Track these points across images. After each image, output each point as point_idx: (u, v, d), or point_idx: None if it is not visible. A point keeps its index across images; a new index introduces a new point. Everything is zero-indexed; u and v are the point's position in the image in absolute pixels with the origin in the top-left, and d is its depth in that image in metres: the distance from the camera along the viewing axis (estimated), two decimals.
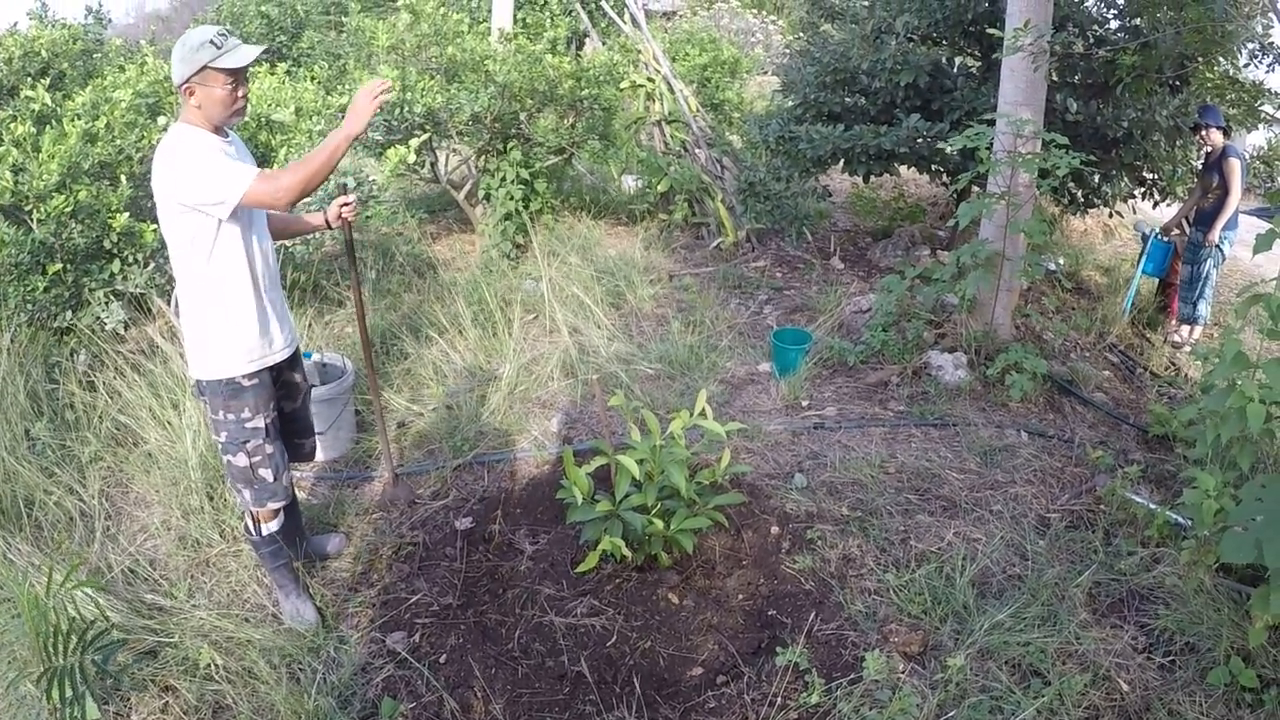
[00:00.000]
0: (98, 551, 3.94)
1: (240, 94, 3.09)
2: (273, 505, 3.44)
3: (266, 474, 3.38)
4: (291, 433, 3.69)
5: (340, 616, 3.60)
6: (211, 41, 2.97)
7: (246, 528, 3.51)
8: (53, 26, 7.48)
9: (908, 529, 4.04)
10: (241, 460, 3.33)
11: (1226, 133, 6.88)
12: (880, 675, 3.08)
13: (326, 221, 3.67)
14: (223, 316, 3.19)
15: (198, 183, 2.95)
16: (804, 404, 5.36)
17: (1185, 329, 7.16)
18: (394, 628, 3.51)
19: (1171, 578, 3.65)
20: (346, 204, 3.63)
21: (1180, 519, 3.95)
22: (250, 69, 3.13)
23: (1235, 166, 6.63)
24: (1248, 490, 3.10)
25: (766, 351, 6.05)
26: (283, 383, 3.56)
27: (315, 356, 4.95)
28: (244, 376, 3.26)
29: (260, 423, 3.32)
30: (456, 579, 3.79)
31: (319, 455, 4.72)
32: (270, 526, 3.49)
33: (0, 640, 3.28)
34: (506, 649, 3.38)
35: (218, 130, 3.13)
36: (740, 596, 3.67)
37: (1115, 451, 4.80)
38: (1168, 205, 8.05)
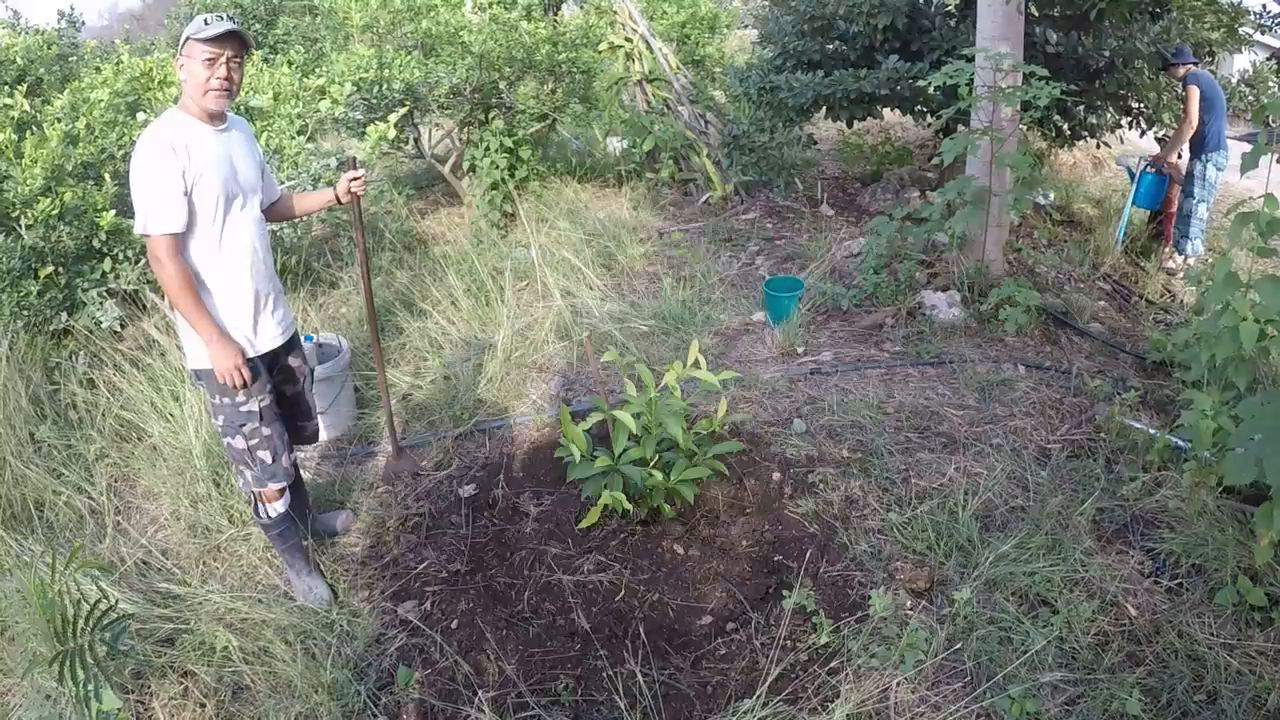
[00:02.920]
0: (110, 546, 3.96)
1: (219, 72, 3.05)
2: (274, 486, 3.46)
3: (265, 455, 3.40)
4: (294, 416, 3.71)
5: (352, 590, 3.63)
6: (204, 20, 3.02)
7: (255, 510, 3.54)
8: (26, 33, 7.43)
9: (908, 467, 4.06)
10: (239, 443, 3.35)
11: (1195, 64, 6.91)
12: (887, 613, 3.10)
13: (336, 197, 3.67)
14: (211, 305, 3.20)
15: (136, 195, 3.00)
16: (800, 350, 5.37)
17: (1179, 256, 7.16)
18: (405, 597, 3.54)
19: (1174, 501, 3.67)
20: (356, 178, 3.62)
21: (1180, 442, 3.97)
22: (237, 54, 3.10)
23: (1193, 94, 6.70)
24: (1245, 409, 3.11)
25: (760, 301, 6.05)
26: (281, 368, 3.57)
27: (314, 339, 4.96)
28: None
29: (255, 406, 3.33)
30: (463, 545, 3.81)
31: (322, 435, 4.74)
32: (276, 508, 3.51)
33: (17, 633, 3.32)
34: (516, 610, 3.41)
35: (212, 117, 3.12)
36: (745, 544, 3.70)
37: (1113, 380, 4.81)
38: (1156, 133, 8.02)
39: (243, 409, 3.31)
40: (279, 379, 3.57)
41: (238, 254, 3.23)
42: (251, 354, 3.31)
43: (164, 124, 3.04)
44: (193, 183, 3.03)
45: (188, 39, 3.02)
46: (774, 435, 4.39)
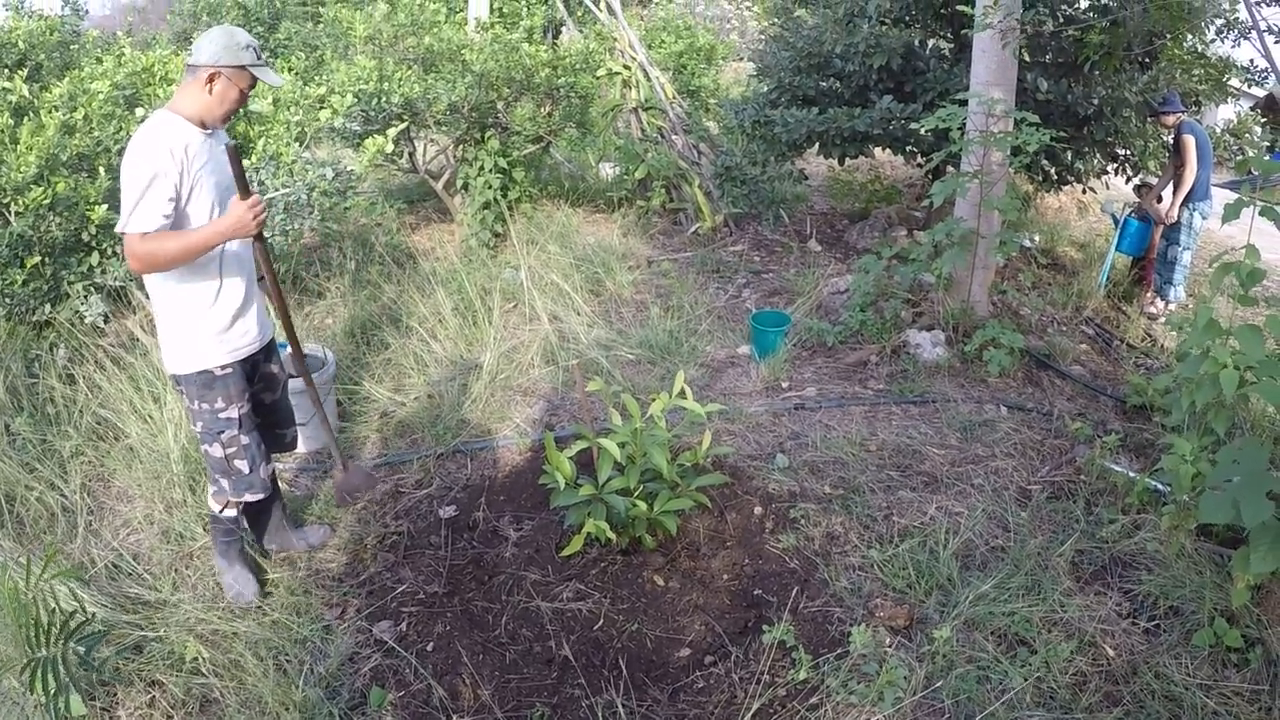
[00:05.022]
0: (80, 546, 3.92)
1: (243, 105, 3.23)
2: (250, 497, 3.47)
3: (242, 465, 3.39)
4: (273, 424, 3.70)
5: (327, 607, 3.59)
6: (253, 48, 3.13)
7: (210, 504, 3.56)
8: (30, 18, 7.41)
9: (890, 505, 4.06)
10: (217, 451, 3.36)
11: (1184, 112, 7.01)
12: (867, 649, 3.10)
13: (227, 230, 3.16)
14: (193, 308, 3.20)
15: (125, 193, 2.99)
16: (784, 385, 5.38)
17: (1160, 302, 7.24)
18: (381, 617, 3.51)
19: (1153, 543, 3.70)
20: (257, 207, 3.13)
21: (1159, 485, 4.00)
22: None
23: (1189, 143, 6.81)
24: (1224, 454, 3.15)
25: (746, 334, 6.07)
26: (261, 375, 3.57)
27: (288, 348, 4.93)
28: (217, 368, 3.28)
29: (234, 413, 3.34)
30: (442, 567, 3.79)
31: (301, 447, 4.71)
32: (231, 511, 3.54)
33: None
34: (493, 635, 3.39)
35: (205, 125, 3.14)
36: (725, 577, 3.69)
37: (1094, 422, 4.84)
38: (1141, 180, 8.13)
39: (221, 415, 3.31)
40: (259, 386, 3.57)
41: (228, 257, 3.25)
42: (233, 358, 3.31)
43: (162, 126, 3.03)
44: (190, 188, 3.04)
45: (242, 67, 3.09)
46: (757, 469, 4.39)
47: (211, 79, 3.07)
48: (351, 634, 3.42)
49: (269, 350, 3.59)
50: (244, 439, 3.38)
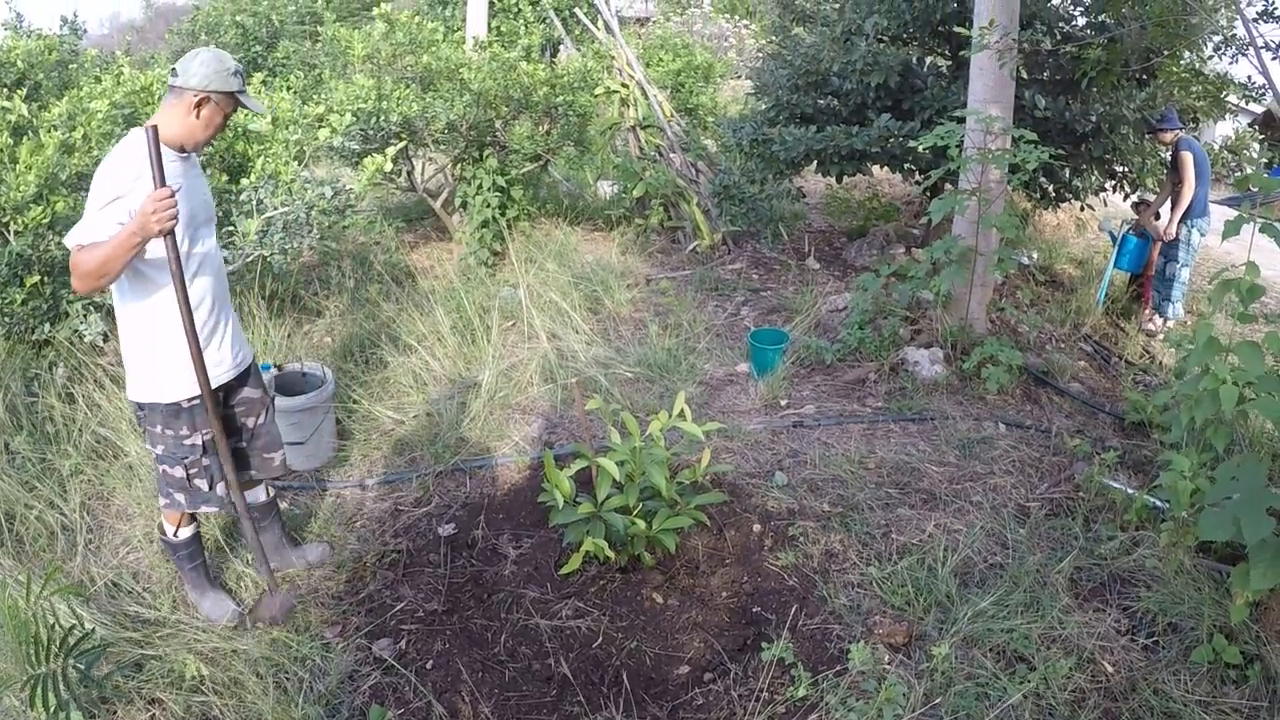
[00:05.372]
0: (80, 565, 3.91)
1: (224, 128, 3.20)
2: (206, 509, 3.43)
3: (202, 483, 3.36)
4: (259, 449, 3.64)
5: (326, 625, 3.59)
6: (240, 74, 3.11)
7: (160, 527, 3.52)
8: (28, 37, 7.43)
9: (889, 522, 4.07)
10: (179, 472, 3.30)
11: (1182, 129, 7.04)
12: (866, 667, 3.10)
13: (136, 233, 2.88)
14: (161, 340, 3.13)
15: (87, 206, 2.95)
16: (783, 403, 5.39)
17: (1159, 319, 7.26)
18: (380, 635, 3.51)
19: (1151, 560, 3.70)
20: (164, 200, 2.81)
21: (1158, 502, 4.01)
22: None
23: (1187, 159, 6.83)
24: (1223, 470, 3.15)
25: (744, 352, 6.08)
26: (242, 400, 3.52)
27: (295, 365, 4.94)
28: (185, 399, 3.22)
29: (199, 440, 3.29)
30: (441, 585, 3.79)
31: (302, 465, 4.72)
32: (185, 531, 3.50)
33: None
34: (493, 653, 3.38)
35: (182, 148, 3.10)
36: (724, 594, 3.69)
37: (1092, 439, 4.85)
38: (1139, 197, 8.16)
39: (186, 442, 3.27)
40: (240, 410, 3.51)
41: (201, 281, 3.19)
42: (197, 391, 3.21)
43: (140, 147, 2.92)
44: None
45: (230, 94, 3.06)
46: (755, 487, 4.39)
47: (200, 104, 3.03)
48: (351, 652, 3.42)
49: (246, 375, 3.52)
50: (205, 461, 3.33)
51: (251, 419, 3.58)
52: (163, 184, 2.84)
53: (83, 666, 2.74)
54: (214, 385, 3.26)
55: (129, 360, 3.19)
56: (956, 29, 5.99)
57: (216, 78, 3.01)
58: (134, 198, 2.88)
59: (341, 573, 3.92)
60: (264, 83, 7.01)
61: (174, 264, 2.92)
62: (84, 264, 2.83)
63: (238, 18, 14.93)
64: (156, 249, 2.98)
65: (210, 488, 3.39)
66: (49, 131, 4.99)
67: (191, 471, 3.32)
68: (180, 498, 3.37)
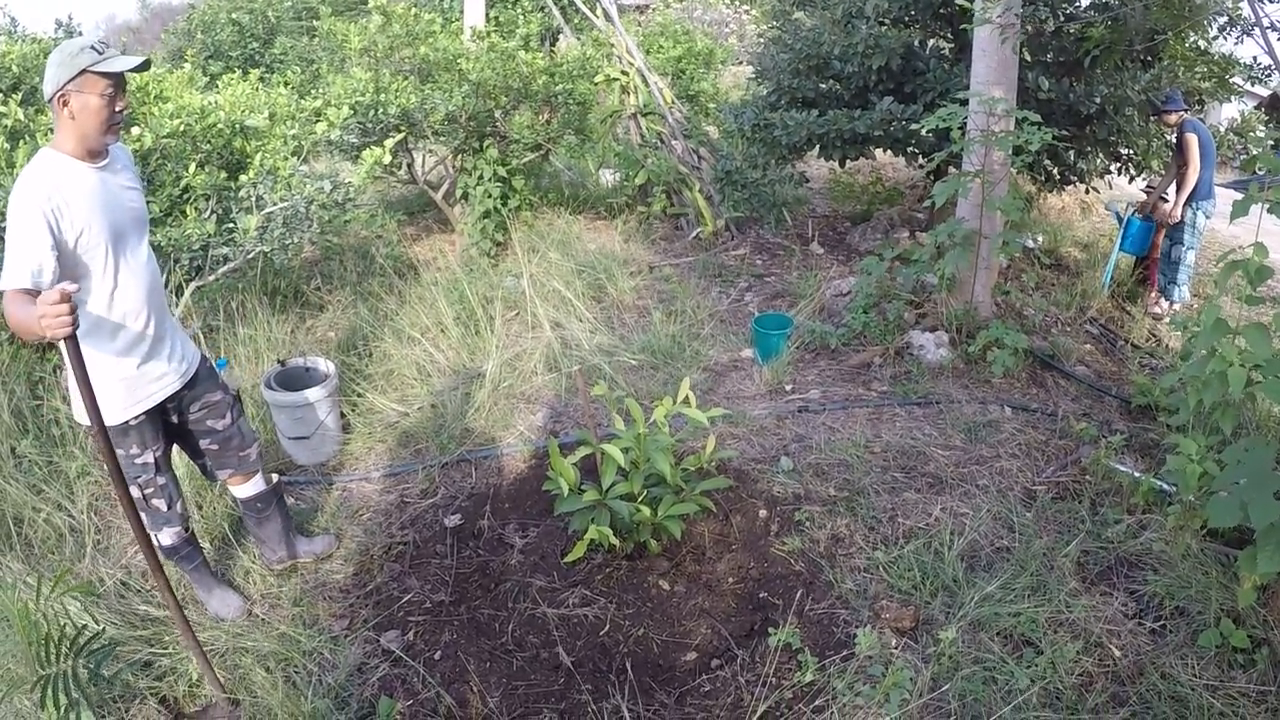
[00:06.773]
0: (89, 566, 3.92)
1: (118, 107, 2.88)
2: (168, 530, 3.41)
3: (160, 504, 3.34)
4: (234, 449, 3.56)
5: (333, 618, 3.60)
6: (92, 48, 2.80)
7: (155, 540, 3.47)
8: (23, 41, 7.41)
9: (895, 507, 4.06)
10: (135, 492, 3.22)
11: (1187, 111, 7.00)
12: (873, 651, 3.10)
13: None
14: (100, 363, 2.99)
15: (6, 245, 2.76)
16: (788, 388, 5.38)
17: (1165, 302, 7.23)
18: (388, 627, 3.52)
19: (1158, 543, 3.69)
20: (56, 305, 2.39)
21: (1165, 485, 3.99)
22: (128, 81, 2.89)
23: (1192, 142, 6.78)
24: (1230, 453, 3.14)
25: (749, 338, 6.07)
26: (202, 404, 3.41)
27: (298, 360, 4.94)
28: (130, 418, 3.14)
29: (150, 458, 3.24)
30: (448, 576, 3.79)
31: (307, 459, 4.72)
32: (166, 539, 3.46)
33: None
34: (500, 643, 3.39)
35: (93, 154, 2.91)
36: (731, 580, 3.69)
37: (1099, 423, 4.84)
38: (1144, 179, 8.12)
39: (137, 461, 3.23)
40: (203, 414, 3.42)
41: (133, 295, 3.03)
42: (148, 405, 3.16)
43: (41, 172, 2.78)
44: (79, 230, 2.80)
45: (83, 71, 2.76)
46: (761, 472, 4.39)
47: (64, 102, 2.79)
48: (359, 644, 3.42)
49: (198, 378, 3.38)
50: (160, 479, 3.29)
51: (218, 421, 3.48)
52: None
53: (92, 665, 2.74)
54: (162, 397, 3.21)
55: (70, 384, 3.07)
56: (960, 2, 5.93)
57: (61, 70, 2.76)
58: (45, 224, 2.71)
59: (348, 565, 3.93)
60: (261, 79, 6.99)
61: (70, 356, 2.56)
62: (9, 316, 2.61)
63: (234, 15, 14.93)
64: (100, 269, 2.89)
65: (169, 507, 3.37)
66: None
67: (147, 492, 3.28)
68: (144, 518, 3.25)
